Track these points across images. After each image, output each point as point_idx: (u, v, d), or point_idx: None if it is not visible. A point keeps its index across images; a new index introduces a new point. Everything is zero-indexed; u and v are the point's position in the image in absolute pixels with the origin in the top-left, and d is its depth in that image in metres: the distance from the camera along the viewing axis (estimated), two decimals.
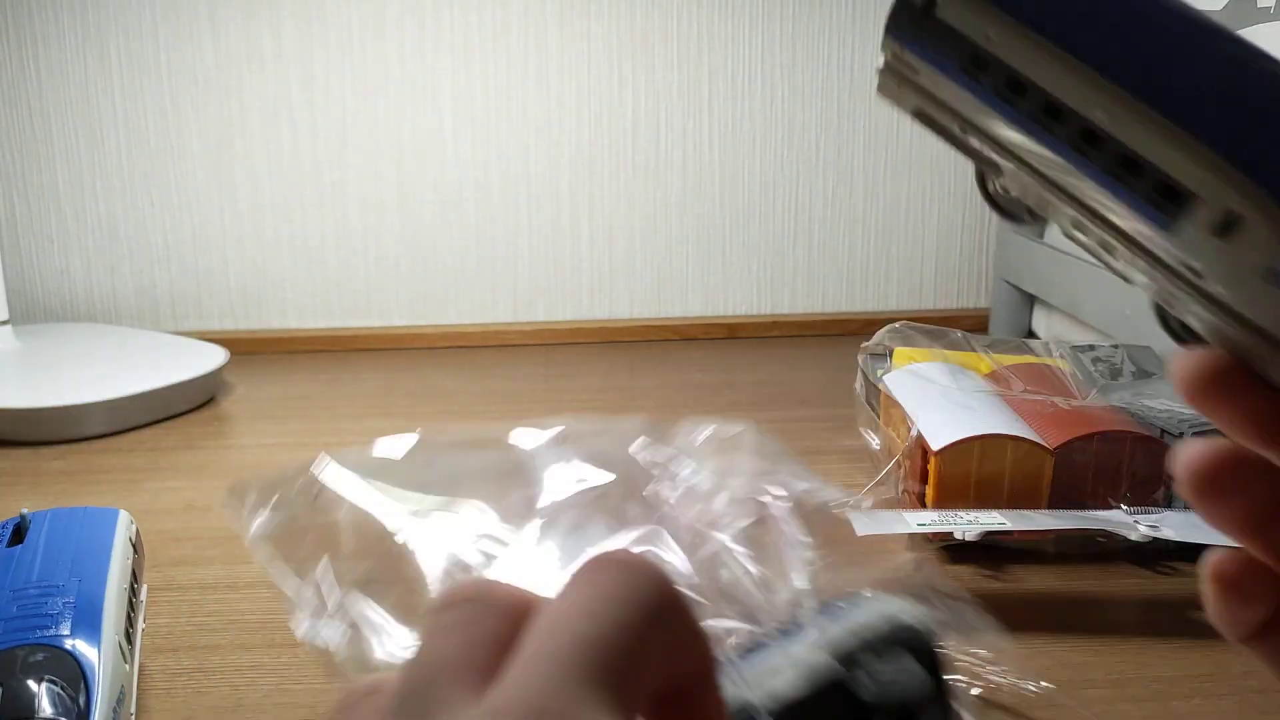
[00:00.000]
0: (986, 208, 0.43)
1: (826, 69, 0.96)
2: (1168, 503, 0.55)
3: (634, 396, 0.81)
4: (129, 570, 0.42)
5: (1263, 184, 0.18)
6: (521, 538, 0.44)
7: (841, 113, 0.97)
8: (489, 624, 0.19)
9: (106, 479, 0.65)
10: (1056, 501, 0.54)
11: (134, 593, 0.42)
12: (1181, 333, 0.22)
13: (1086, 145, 0.20)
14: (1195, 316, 0.20)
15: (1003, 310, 0.95)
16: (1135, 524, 0.50)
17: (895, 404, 0.61)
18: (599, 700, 0.17)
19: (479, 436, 0.50)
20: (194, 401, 0.78)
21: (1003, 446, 0.54)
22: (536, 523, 0.44)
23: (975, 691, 0.41)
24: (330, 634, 0.39)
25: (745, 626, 0.39)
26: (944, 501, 0.54)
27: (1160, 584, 0.51)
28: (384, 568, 0.42)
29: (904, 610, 0.37)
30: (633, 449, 0.50)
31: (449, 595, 0.20)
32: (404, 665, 0.19)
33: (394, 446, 0.49)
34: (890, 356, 0.68)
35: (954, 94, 0.21)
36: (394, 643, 0.39)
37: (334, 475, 0.45)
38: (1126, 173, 0.19)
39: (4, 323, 0.82)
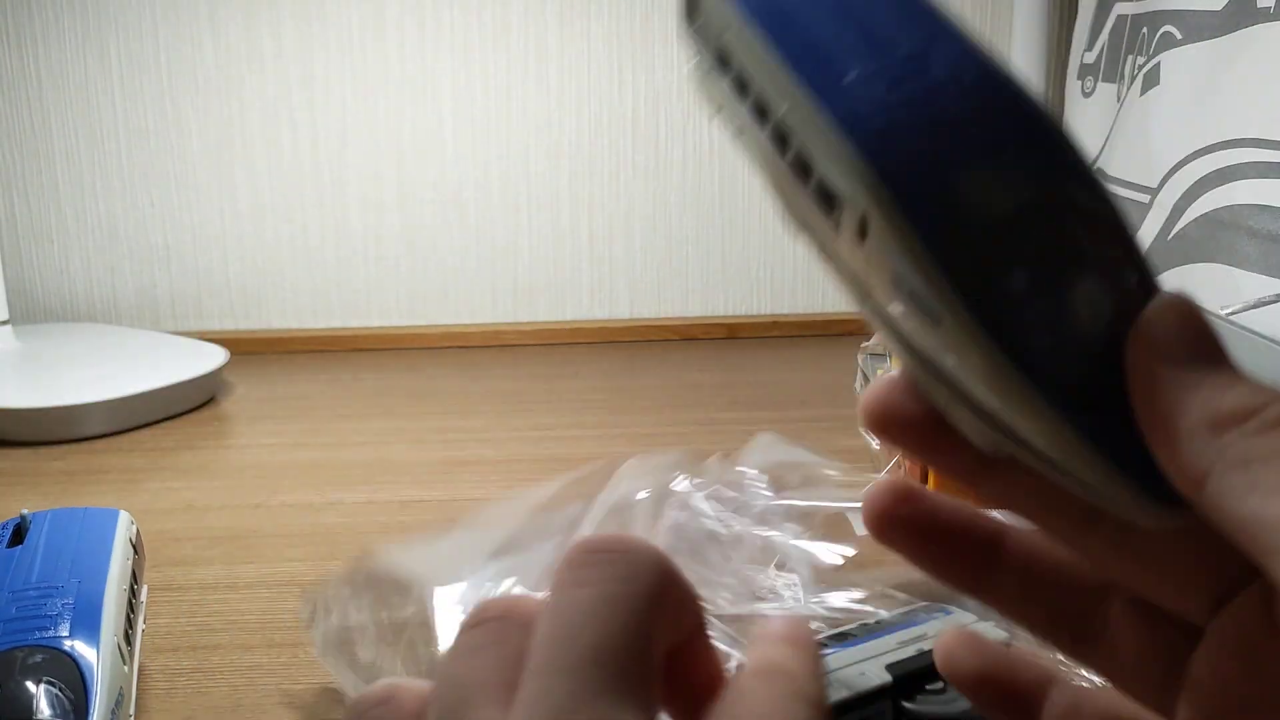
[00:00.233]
0: None
1: None
2: None
3: (634, 396, 0.81)
4: (129, 571, 0.42)
5: (884, 179, 0.18)
6: None
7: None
8: (518, 641, 0.18)
9: (106, 479, 0.65)
10: None
11: (134, 593, 0.42)
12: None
13: (782, 145, 0.20)
14: (886, 344, 0.20)
15: None
16: None
17: None
18: (624, 707, 0.17)
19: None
20: (194, 401, 0.78)
21: None
22: None
23: None
24: None
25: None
26: None
27: None
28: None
29: (974, 627, 0.37)
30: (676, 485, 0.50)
31: (477, 614, 0.19)
32: (435, 684, 0.18)
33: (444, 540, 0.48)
34: (890, 357, 0.68)
35: (721, 91, 0.21)
36: None
37: (393, 567, 0.45)
38: (806, 173, 0.19)
39: (4, 323, 0.82)
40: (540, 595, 0.19)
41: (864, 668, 0.35)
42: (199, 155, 0.93)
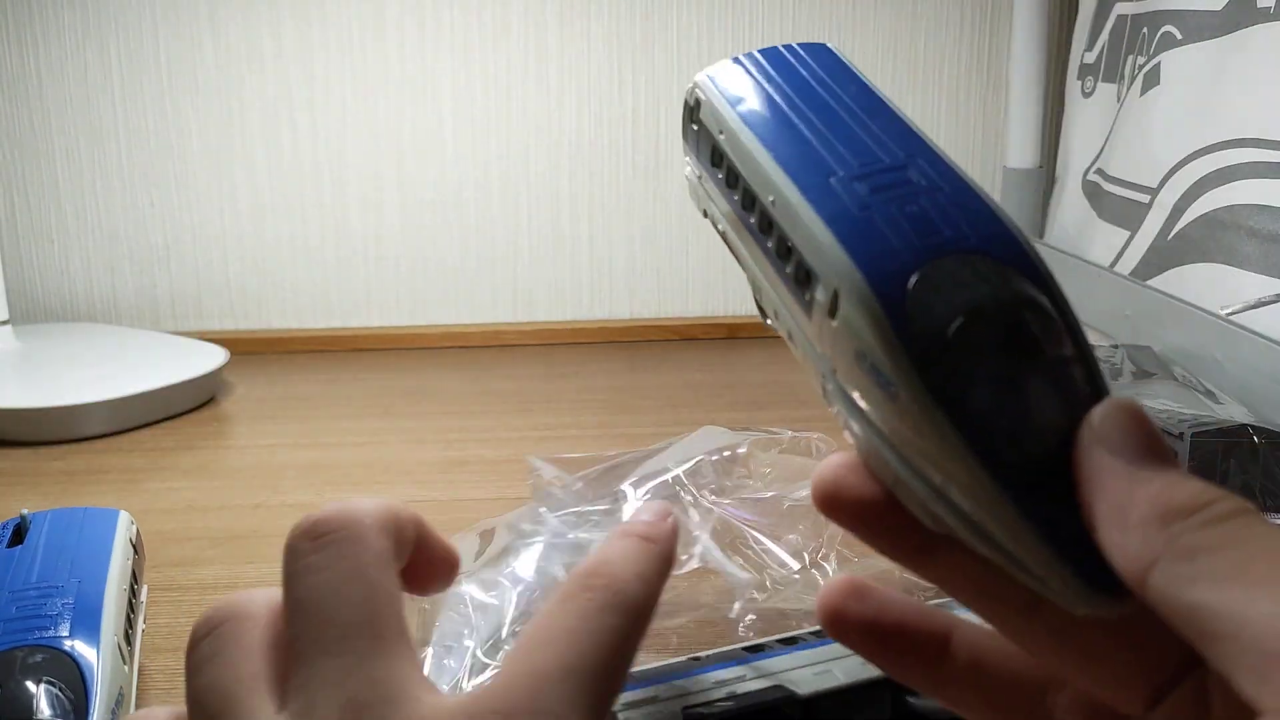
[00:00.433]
0: None
1: None
2: None
3: (634, 396, 0.81)
4: (129, 571, 0.42)
5: (857, 261, 0.20)
6: None
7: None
8: (255, 634, 0.20)
9: (106, 479, 0.65)
10: None
11: (134, 593, 0.42)
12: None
13: (765, 231, 0.23)
14: (843, 420, 0.21)
15: None
16: None
17: None
18: (389, 664, 0.19)
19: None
20: (194, 401, 0.78)
21: None
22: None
23: None
24: None
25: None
26: None
27: None
28: None
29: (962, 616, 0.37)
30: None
31: (204, 625, 0.21)
32: (188, 702, 0.19)
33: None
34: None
35: (711, 189, 0.25)
36: None
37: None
38: (785, 256, 0.22)
39: (4, 323, 0.82)
40: (260, 591, 0.21)
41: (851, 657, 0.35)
42: (199, 155, 0.93)
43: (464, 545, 0.48)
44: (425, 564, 0.23)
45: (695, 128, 0.25)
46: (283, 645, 0.20)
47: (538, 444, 0.70)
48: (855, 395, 0.20)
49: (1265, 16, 0.62)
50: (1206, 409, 0.55)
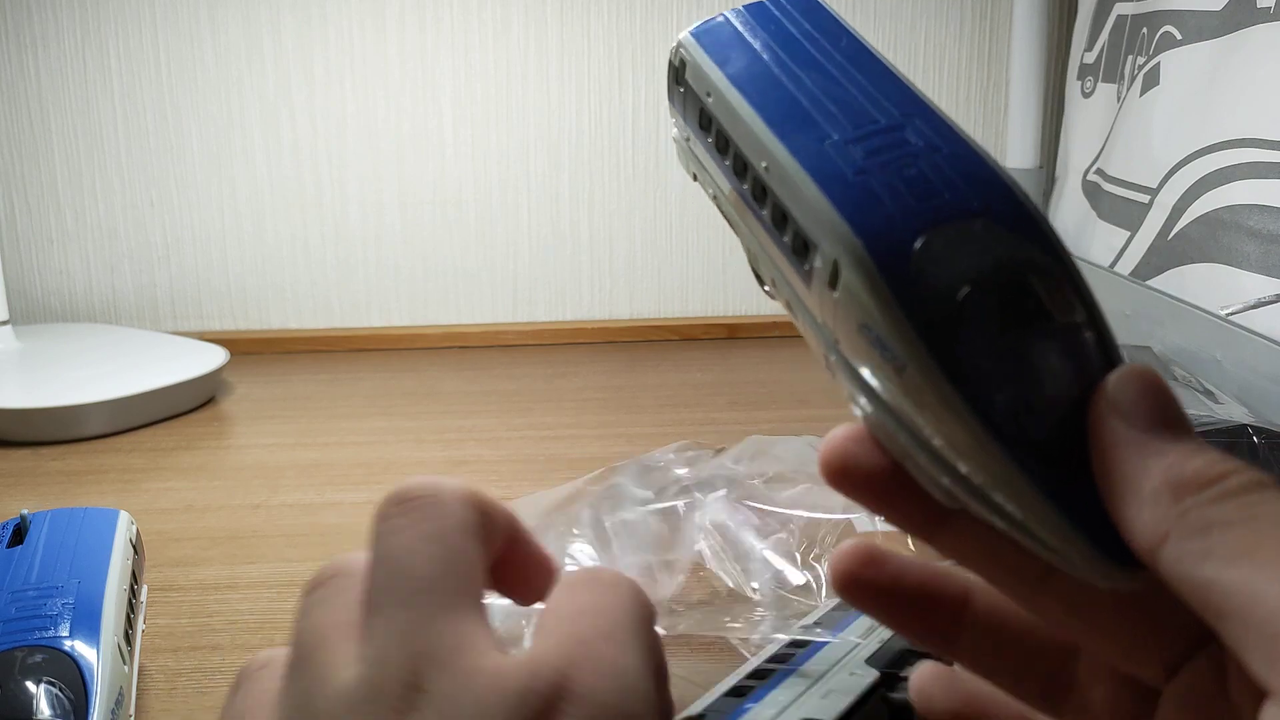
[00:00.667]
0: None
1: None
2: None
3: (634, 396, 0.81)
4: (129, 571, 0.42)
5: (857, 230, 0.19)
6: None
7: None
8: (354, 590, 0.21)
9: (106, 479, 0.65)
10: None
11: (134, 594, 0.42)
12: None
13: (759, 198, 0.21)
14: (848, 392, 0.21)
15: None
16: None
17: None
18: (458, 621, 0.19)
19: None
20: (194, 401, 0.78)
21: None
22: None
23: None
24: None
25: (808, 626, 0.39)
26: None
27: None
28: None
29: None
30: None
31: (315, 578, 0.22)
32: (291, 638, 0.21)
33: None
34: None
35: (701, 152, 0.24)
36: None
37: None
38: (781, 224, 0.21)
39: (4, 323, 0.82)
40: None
41: (849, 667, 0.35)
42: (199, 155, 0.93)
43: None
44: (520, 565, 0.23)
45: (681, 90, 0.24)
46: (365, 598, 0.21)
47: (538, 444, 0.70)
48: (860, 368, 0.20)
49: (1265, 16, 0.62)
50: (1206, 409, 0.55)
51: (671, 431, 0.73)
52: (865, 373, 0.20)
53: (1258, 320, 0.60)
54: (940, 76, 0.97)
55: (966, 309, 0.18)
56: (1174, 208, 0.69)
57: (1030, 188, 0.92)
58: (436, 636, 0.19)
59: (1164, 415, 0.18)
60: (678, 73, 0.24)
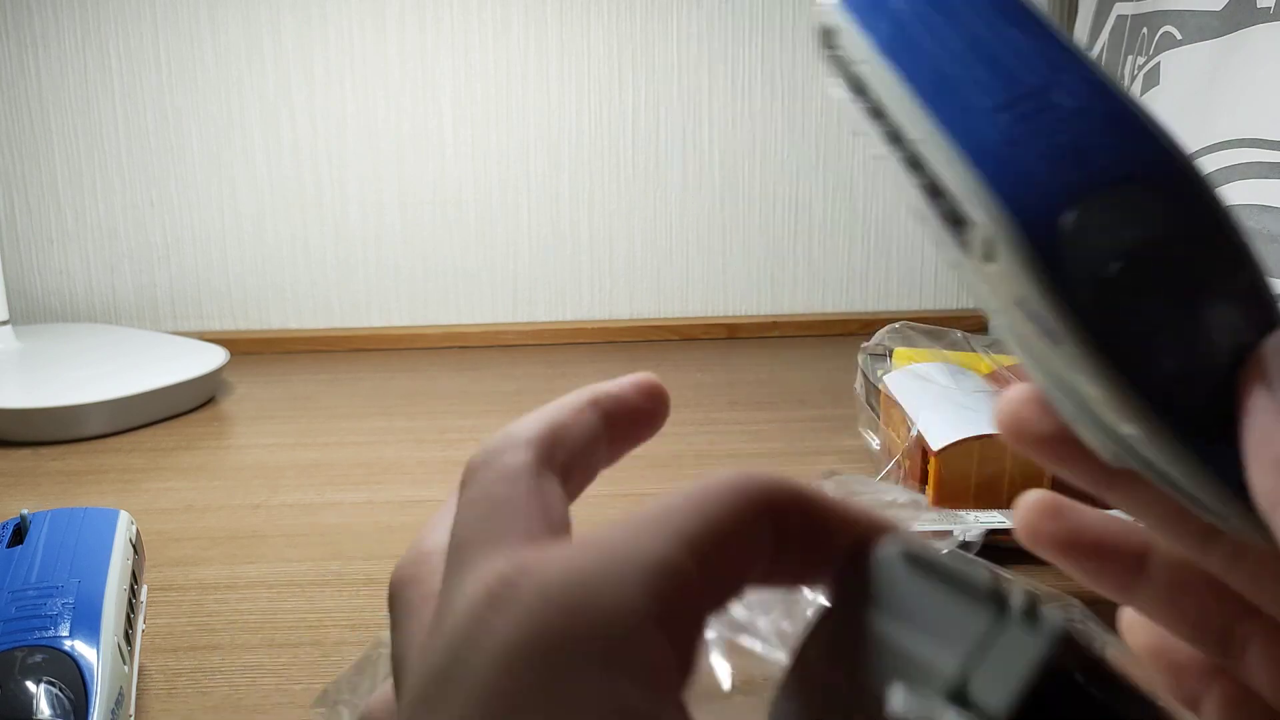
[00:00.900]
0: None
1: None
2: None
3: None
4: (129, 571, 0.42)
5: (1010, 207, 0.19)
6: None
7: (842, 112, 0.97)
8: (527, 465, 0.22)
9: (106, 479, 0.65)
10: None
11: (134, 593, 0.42)
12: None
13: (914, 168, 0.21)
14: (1013, 351, 0.21)
15: None
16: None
17: (895, 404, 0.61)
18: (523, 546, 0.19)
19: None
20: (194, 401, 0.78)
21: (1003, 447, 0.54)
22: None
23: None
24: None
25: None
26: (944, 502, 0.54)
27: None
28: None
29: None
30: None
31: (469, 467, 0.23)
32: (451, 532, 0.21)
33: None
34: (890, 357, 0.68)
35: (857, 115, 0.23)
36: None
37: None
38: (936, 195, 0.20)
39: (4, 323, 0.82)
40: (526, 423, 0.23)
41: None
42: (199, 155, 0.93)
43: None
44: (623, 425, 0.26)
45: (831, 53, 0.23)
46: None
47: None
48: (1024, 336, 0.20)
49: (1265, 17, 0.62)
50: None
51: (671, 432, 0.73)
52: (1025, 343, 0.20)
53: None
54: None
55: (1122, 283, 0.18)
56: None
57: None
58: (519, 566, 0.19)
59: None
60: (826, 38, 0.23)
